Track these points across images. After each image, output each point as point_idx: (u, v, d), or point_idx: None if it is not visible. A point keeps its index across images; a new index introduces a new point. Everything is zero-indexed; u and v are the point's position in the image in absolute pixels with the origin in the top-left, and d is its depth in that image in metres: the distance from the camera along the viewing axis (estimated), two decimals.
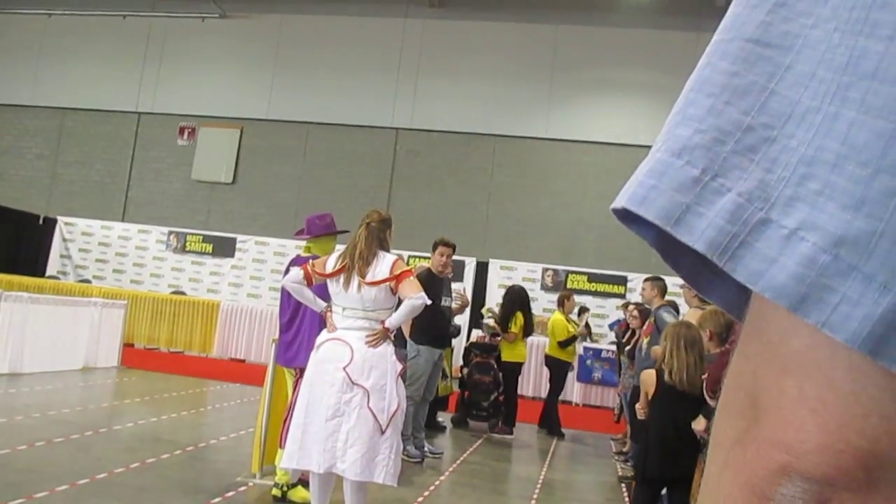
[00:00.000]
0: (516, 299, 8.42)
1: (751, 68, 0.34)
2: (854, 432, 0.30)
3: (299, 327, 4.84)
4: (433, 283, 6.18)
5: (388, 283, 3.94)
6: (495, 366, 8.49)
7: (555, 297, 14.10)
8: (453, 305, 7.10)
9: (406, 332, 6.49)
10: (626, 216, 0.36)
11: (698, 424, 3.81)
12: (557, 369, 8.80)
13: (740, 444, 0.33)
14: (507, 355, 8.39)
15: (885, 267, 0.29)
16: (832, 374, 0.31)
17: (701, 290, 0.39)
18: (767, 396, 0.33)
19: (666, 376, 3.96)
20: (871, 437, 0.30)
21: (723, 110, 0.34)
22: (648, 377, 4.17)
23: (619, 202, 0.36)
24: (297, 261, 4.89)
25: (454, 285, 7.50)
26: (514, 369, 8.44)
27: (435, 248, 6.74)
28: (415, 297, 3.91)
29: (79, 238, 16.05)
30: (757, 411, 0.33)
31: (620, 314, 10.72)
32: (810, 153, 0.32)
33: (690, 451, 3.90)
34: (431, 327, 6.43)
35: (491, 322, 8.80)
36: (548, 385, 9.11)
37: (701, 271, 0.38)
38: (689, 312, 5.97)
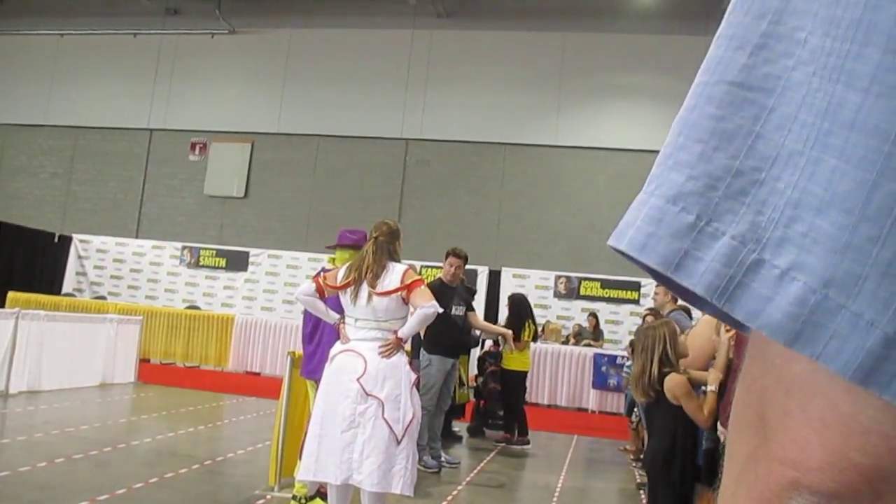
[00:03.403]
0: (522, 308, 8.38)
1: (736, 112, 0.36)
2: (855, 450, 0.32)
3: (321, 339, 4.82)
4: (443, 293, 6.18)
5: (399, 293, 3.95)
6: None
7: (568, 304, 14.28)
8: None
9: None
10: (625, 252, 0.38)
11: None
12: None
13: (753, 460, 0.36)
14: (514, 364, 8.22)
15: (871, 306, 0.31)
16: (832, 396, 0.33)
17: (706, 312, 0.41)
18: (774, 416, 0.35)
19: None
20: (872, 454, 0.32)
21: (712, 156, 0.36)
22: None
23: (620, 244, 0.38)
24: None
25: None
26: (521, 378, 8.35)
27: (447, 258, 6.79)
28: (427, 306, 3.90)
29: (94, 255, 16.17)
30: (766, 429, 0.35)
31: (635, 320, 10.76)
32: (796, 196, 0.33)
33: (670, 449, 3.78)
34: (442, 337, 6.44)
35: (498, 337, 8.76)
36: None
37: (700, 298, 0.39)
38: (705, 317, 5.88)
